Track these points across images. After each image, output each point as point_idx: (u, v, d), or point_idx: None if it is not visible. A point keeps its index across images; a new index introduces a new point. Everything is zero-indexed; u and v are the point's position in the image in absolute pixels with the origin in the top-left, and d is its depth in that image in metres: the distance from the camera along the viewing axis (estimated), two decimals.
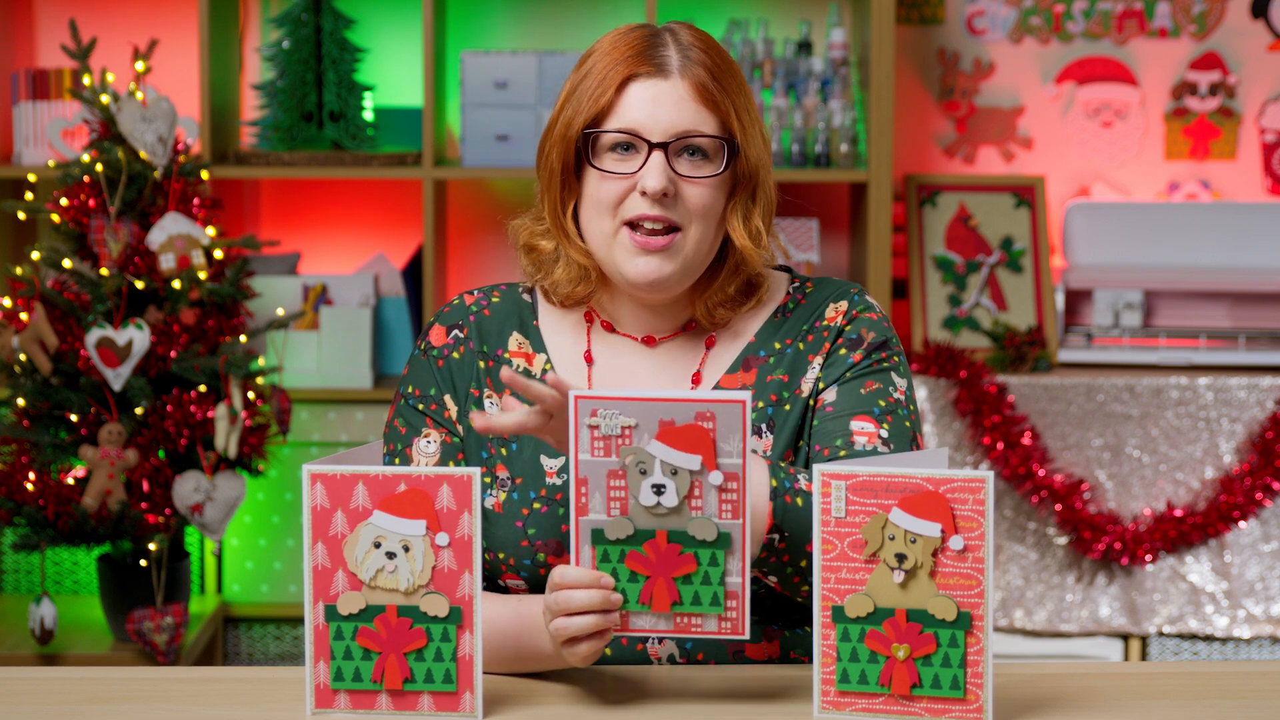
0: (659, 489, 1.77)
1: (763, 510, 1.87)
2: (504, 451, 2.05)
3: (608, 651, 1.99)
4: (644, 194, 1.98)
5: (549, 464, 2.03)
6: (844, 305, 2.08)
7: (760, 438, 2.03)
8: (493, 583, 2.05)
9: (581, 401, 1.76)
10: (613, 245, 2.01)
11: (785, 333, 2.08)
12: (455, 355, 2.09)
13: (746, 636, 1.81)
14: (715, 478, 1.76)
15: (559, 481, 2.02)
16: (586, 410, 1.76)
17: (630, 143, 1.99)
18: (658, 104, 1.99)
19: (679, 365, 2.07)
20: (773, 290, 2.12)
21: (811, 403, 2.04)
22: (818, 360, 2.06)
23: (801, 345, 2.07)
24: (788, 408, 2.04)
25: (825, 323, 2.08)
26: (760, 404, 2.04)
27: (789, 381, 2.05)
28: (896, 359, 2.07)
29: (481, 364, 2.09)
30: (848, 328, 2.07)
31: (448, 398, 2.08)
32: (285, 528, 4.19)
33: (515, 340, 2.10)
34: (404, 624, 1.79)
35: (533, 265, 2.09)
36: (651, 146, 1.98)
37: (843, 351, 2.05)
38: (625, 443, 1.76)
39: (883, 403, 2.03)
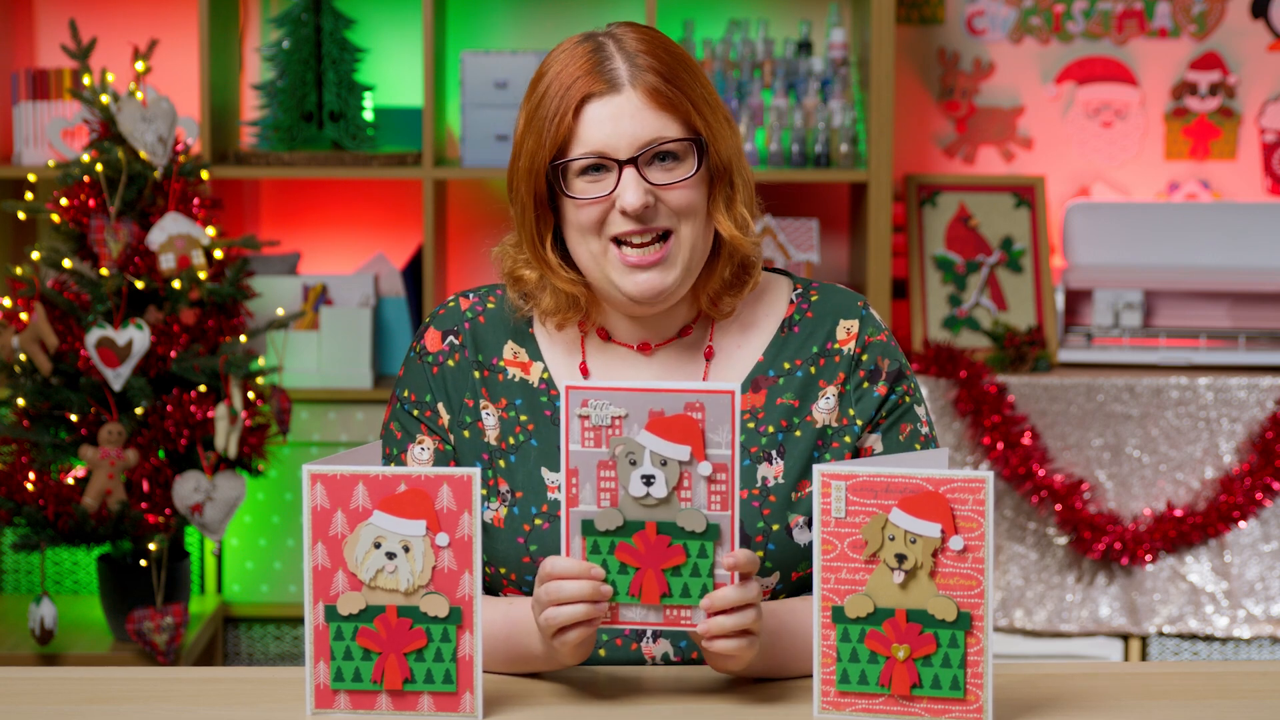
0: (648, 480, 1.77)
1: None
2: (502, 464, 2.04)
3: (601, 653, 1.99)
4: (624, 212, 1.96)
5: (551, 478, 2.01)
6: (855, 326, 2.06)
7: (770, 464, 2.02)
8: (492, 596, 2.03)
9: (572, 392, 1.76)
10: (605, 265, 1.98)
11: (794, 350, 2.06)
12: (450, 363, 2.08)
13: None
14: (704, 468, 1.76)
15: (561, 497, 2.01)
16: (577, 400, 1.77)
17: (599, 164, 1.97)
18: (617, 121, 1.95)
19: (677, 373, 2.05)
20: (775, 297, 2.09)
21: (848, 438, 2.03)
22: (832, 390, 2.04)
23: (813, 369, 2.05)
24: (798, 434, 2.03)
25: (837, 345, 2.05)
26: (770, 429, 2.03)
27: (799, 407, 2.03)
28: (913, 387, 2.07)
29: (476, 374, 2.07)
30: (864, 357, 2.05)
31: (441, 405, 2.07)
32: (285, 528, 4.19)
33: (510, 349, 2.08)
34: (404, 624, 1.79)
35: (519, 295, 2.06)
36: (621, 165, 1.96)
37: (866, 385, 2.04)
38: (615, 433, 1.77)
39: (918, 445, 2.04)
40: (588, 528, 1.79)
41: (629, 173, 1.96)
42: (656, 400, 1.76)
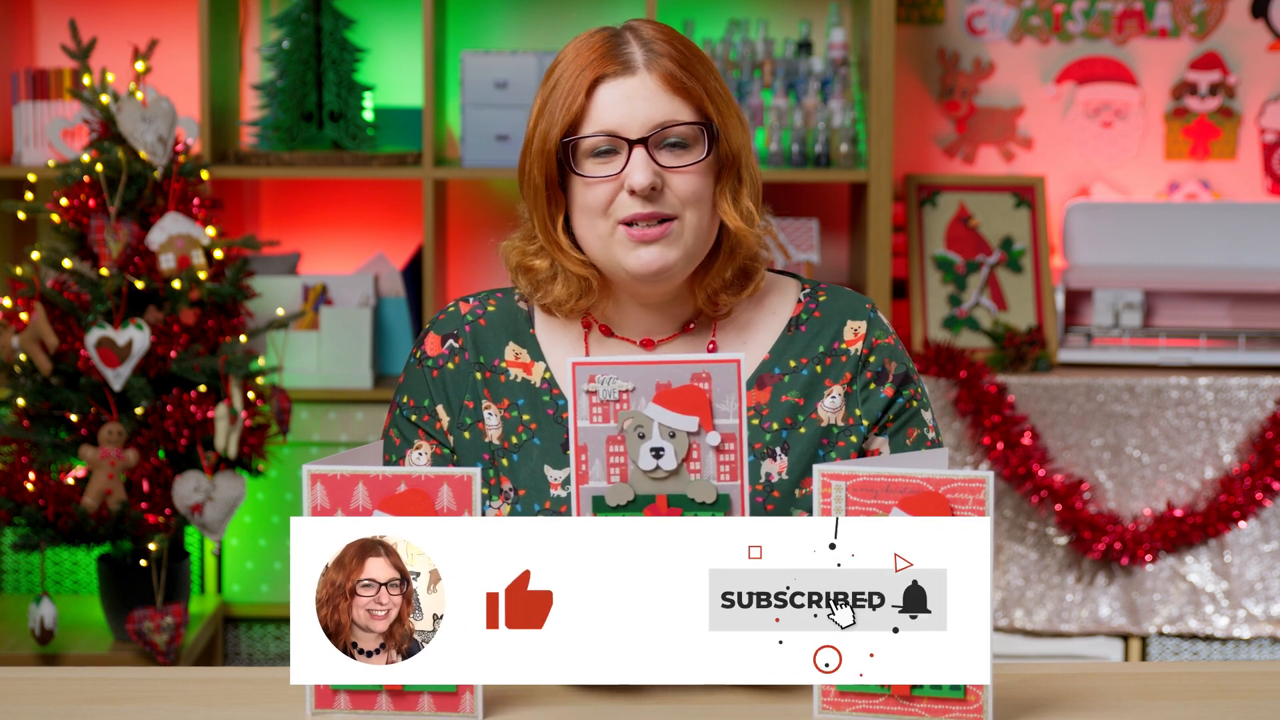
0: (658, 452, 1.78)
1: None
2: (505, 463, 2.04)
3: None
4: (632, 192, 1.97)
5: (553, 475, 2.02)
6: (862, 327, 2.07)
7: (774, 460, 2.03)
8: None
9: (579, 368, 1.77)
10: (610, 244, 1.99)
11: (800, 349, 2.06)
12: (450, 366, 2.08)
13: None
14: (713, 438, 1.78)
15: (564, 494, 2.01)
16: (584, 376, 1.77)
17: (610, 145, 1.98)
18: (630, 101, 1.97)
19: None
20: (780, 297, 2.10)
21: (853, 438, 2.04)
22: (838, 390, 2.05)
23: (819, 368, 2.05)
24: (802, 430, 2.03)
25: (844, 346, 2.06)
26: (774, 426, 2.04)
27: (804, 405, 2.04)
28: (920, 392, 2.08)
29: (477, 375, 2.07)
30: (871, 359, 2.06)
31: (440, 409, 2.07)
32: (285, 528, 4.19)
33: (512, 350, 2.08)
34: None
35: (530, 285, 2.07)
36: (631, 144, 1.97)
37: (873, 386, 2.05)
38: (623, 407, 1.78)
39: (925, 449, 2.04)
40: (598, 504, 1.80)
41: (638, 152, 1.97)
42: (663, 372, 1.77)
